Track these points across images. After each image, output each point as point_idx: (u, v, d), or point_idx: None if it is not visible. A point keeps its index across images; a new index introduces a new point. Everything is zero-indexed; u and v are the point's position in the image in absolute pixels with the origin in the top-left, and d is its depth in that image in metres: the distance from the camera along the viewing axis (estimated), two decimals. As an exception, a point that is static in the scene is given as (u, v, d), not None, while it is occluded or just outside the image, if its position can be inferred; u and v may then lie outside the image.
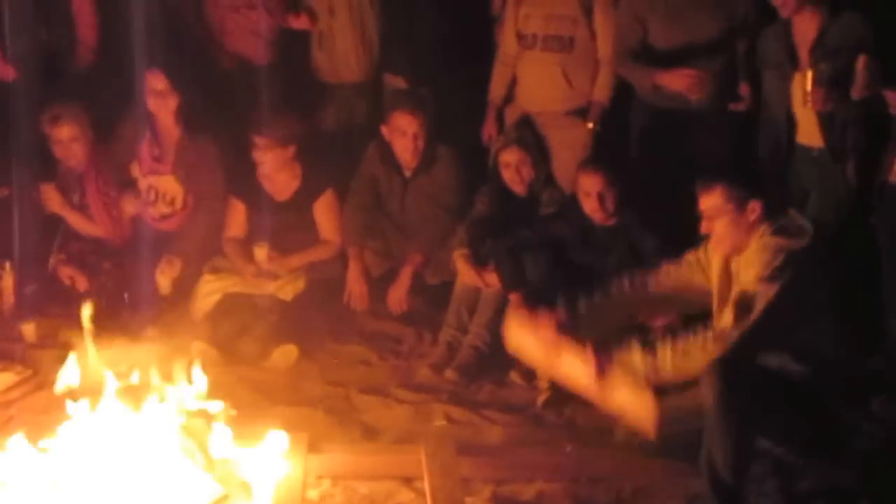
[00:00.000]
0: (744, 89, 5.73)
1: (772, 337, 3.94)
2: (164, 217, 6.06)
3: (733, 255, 4.17)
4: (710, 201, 4.11)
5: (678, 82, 5.56)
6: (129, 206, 5.96)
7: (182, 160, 5.96)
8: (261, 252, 5.73)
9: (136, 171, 6.04)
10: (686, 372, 3.98)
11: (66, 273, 5.77)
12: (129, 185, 6.01)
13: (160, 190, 6.02)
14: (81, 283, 5.71)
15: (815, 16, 5.08)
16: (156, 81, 5.85)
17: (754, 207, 4.06)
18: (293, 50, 6.56)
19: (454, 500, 4.00)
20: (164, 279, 5.77)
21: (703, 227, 4.17)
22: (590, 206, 5.29)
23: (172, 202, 6.03)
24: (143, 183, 6.01)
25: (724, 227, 4.11)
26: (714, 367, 3.86)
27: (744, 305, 3.97)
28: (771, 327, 3.90)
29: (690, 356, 3.97)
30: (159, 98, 5.86)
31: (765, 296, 3.90)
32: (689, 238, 5.27)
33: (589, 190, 5.27)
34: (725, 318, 4.07)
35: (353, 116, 6.58)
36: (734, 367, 3.87)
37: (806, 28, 5.11)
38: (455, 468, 4.22)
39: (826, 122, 5.06)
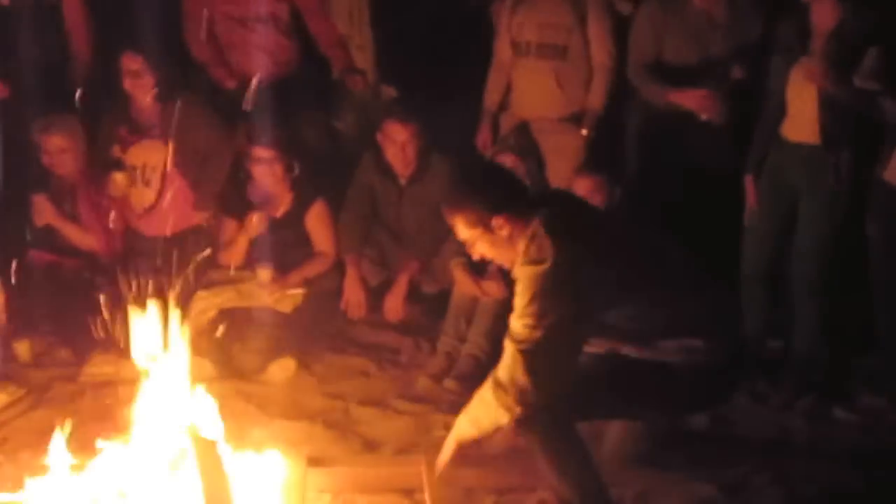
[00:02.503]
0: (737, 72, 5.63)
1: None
2: (146, 211, 5.95)
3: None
4: (460, 233, 3.83)
5: (691, 102, 5.57)
6: (115, 185, 5.83)
7: (166, 123, 5.86)
8: (265, 273, 5.65)
9: (117, 152, 5.95)
10: None
11: None
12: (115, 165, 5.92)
13: (140, 165, 5.91)
14: None
15: (835, 6, 4.96)
16: (131, 63, 5.79)
17: (499, 223, 3.73)
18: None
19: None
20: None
21: (474, 257, 3.93)
22: None
23: (150, 179, 5.92)
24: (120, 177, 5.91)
25: (488, 251, 3.83)
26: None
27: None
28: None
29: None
30: (136, 78, 5.80)
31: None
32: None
33: (582, 194, 5.20)
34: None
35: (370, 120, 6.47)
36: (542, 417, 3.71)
37: (825, 17, 4.99)
38: (456, 479, 4.14)
39: (826, 106, 4.96)
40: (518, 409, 3.64)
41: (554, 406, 3.67)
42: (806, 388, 5.13)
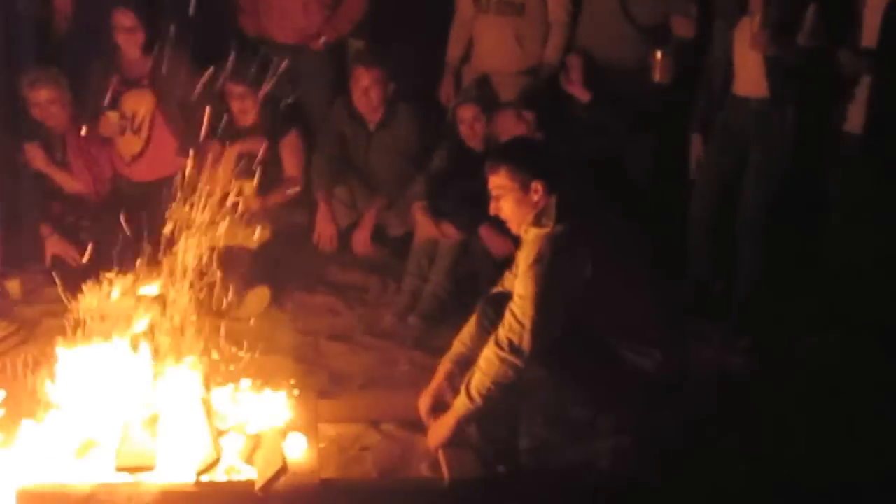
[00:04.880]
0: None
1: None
2: (134, 159, 6.01)
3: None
4: (496, 181, 3.96)
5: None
6: (108, 125, 5.86)
7: (154, 74, 5.91)
8: (249, 186, 5.70)
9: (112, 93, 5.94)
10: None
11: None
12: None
13: (129, 114, 5.95)
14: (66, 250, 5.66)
15: None
16: (124, 19, 5.82)
17: (536, 188, 3.88)
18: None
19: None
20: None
21: (492, 209, 4.04)
22: None
23: (140, 127, 5.97)
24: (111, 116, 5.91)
25: (509, 207, 3.95)
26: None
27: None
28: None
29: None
30: (129, 33, 5.84)
31: (525, 291, 3.77)
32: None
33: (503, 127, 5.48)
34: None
35: None
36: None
37: None
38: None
39: (771, 66, 5.02)
40: (517, 357, 3.74)
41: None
42: (746, 328, 5.25)
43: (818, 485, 4.01)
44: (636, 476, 3.90)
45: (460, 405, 3.88)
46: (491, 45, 6.13)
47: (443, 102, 6.28)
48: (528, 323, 3.72)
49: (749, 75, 5.16)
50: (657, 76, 5.63)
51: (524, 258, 3.84)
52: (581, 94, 5.70)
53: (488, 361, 3.79)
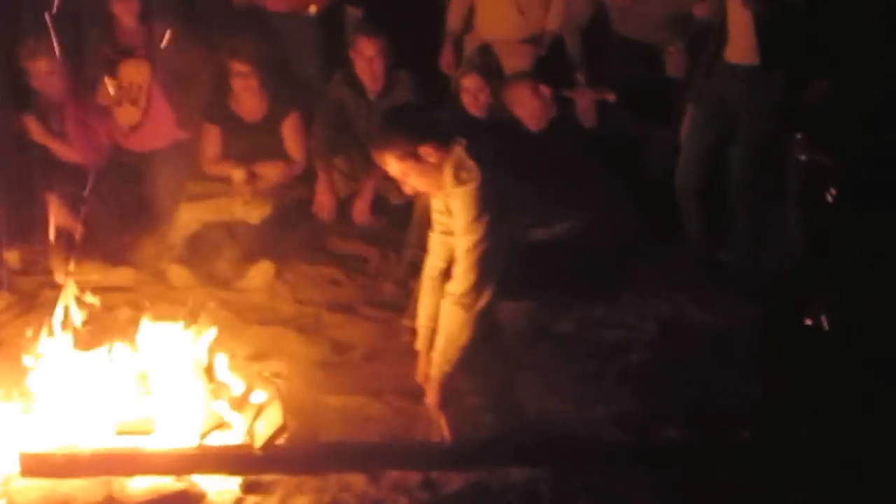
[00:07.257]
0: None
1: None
2: (132, 129, 5.88)
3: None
4: (393, 170, 3.87)
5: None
6: (107, 91, 5.76)
7: (150, 43, 5.78)
8: (239, 174, 5.67)
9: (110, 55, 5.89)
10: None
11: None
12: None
13: (126, 84, 5.83)
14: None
15: None
16: None
17: (427, 151, 3.78)
18: None
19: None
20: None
21: (407, 191, 4.02)
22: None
23: (136, 98, 5.85)
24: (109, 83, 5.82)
25: (419, 182, 3.87)
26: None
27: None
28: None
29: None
30: (124, 2, 5.79)
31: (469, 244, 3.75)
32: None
33: (517, 99, 5.43)
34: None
35: None
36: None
37: None
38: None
39: (762, 27, 4.99)
40: (475, 306, 3.74)
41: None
42: (748, 296, 5.12)
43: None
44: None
45: (434, 371, 3.89)
46: (492, 13, 6.06)
47: (443, 71, 6.20)
48: (475, 273, 3.72)
49: (741, 41, 5.13)
50: (670, 69, 5.65)
51: (461, 217, 3.77)
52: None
53: (447, 317, 3.80)
